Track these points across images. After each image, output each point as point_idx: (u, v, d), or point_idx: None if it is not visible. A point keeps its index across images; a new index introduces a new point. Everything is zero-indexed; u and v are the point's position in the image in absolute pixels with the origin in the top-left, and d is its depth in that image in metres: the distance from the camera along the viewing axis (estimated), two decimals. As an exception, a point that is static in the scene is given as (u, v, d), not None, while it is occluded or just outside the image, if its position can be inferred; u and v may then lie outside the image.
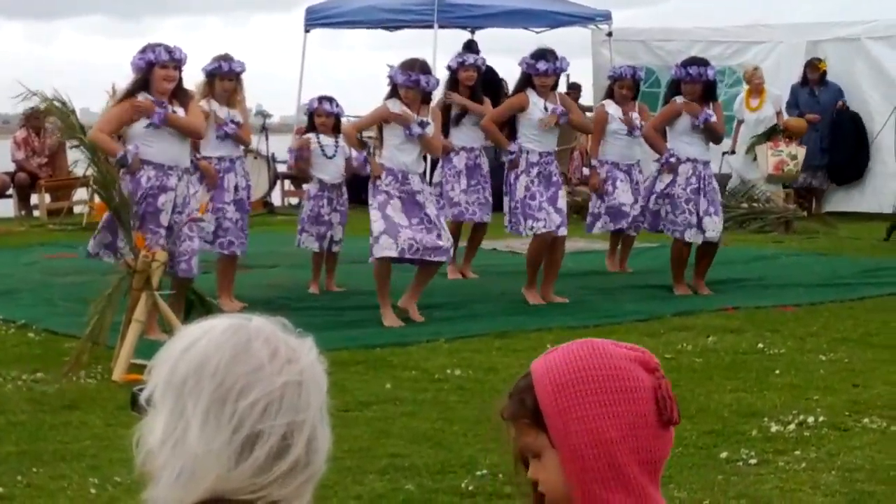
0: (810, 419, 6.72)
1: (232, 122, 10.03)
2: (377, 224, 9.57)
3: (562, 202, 10.59)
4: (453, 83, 11.75)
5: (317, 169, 10.89)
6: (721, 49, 17.73)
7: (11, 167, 18.30)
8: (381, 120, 9.78)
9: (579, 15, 19.35)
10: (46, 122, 17.30)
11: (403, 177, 9.64)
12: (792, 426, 6.63)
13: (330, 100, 11.05)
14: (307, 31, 19.30)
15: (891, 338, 8.99)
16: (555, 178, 10.59)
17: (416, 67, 9.66)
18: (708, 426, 6.65)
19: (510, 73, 13.61)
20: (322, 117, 10.95)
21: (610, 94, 12.30)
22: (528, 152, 10.52)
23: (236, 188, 10.12)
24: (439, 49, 17.17)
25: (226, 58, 10.16)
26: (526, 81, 10.60)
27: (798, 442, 6.39)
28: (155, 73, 8.76)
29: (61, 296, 10.52)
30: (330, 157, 10.84)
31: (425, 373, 7.91)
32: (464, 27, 19.64)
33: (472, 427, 6.62)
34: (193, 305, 8.56)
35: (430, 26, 17.92)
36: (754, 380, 7.71)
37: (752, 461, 6.06)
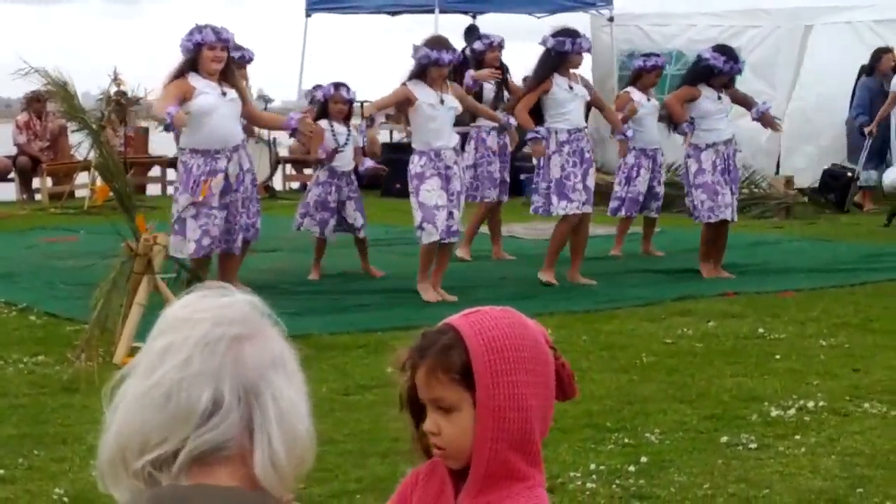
0: (810, 404, 6.73)
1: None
2: (417, 213, 9.76)
3: (591, 180, 10.68)
4: (478, 65, 11.85)
5: (328, 156, 10.90)
6: (717, 32, 17.71)
7: (13, 151, 18.31)
8: (401, 102, 9.87)
9: (580, 0, 19.35)
10: (48, 105, 17.29)
11: (436, 154, 9.77)
12: (792, 411, 6.63)
13: (346, 86, 11.08)
14: (308, 15, 19.29)
15: (891, 323, 8.99)
16: (587, 155, 10.65)
17: (442, 45, 9.82)
18: (708, 411, 6.66)
19: (512, 59, 13.60)
20: (339, 104, 10.99)
21: (633, 82, 12.49)
22: (556, 132, 10.58)
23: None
24: (440, 33, 17.13)
25: (233, 46, 10.25)
26: (550, 62, 10.60)
27: (798, 427, 6.40)
28: (203, 54, 8.98)
29: (62, 279, 10.54)
30: (342, 146, 10.87)
31: (426, 357, 7.90)
32: (465, 12, 19.63)
33: (472, 411, 6.62)
34: (194, 287, 8.56)
35: (432, 11, 17.91)
36: (755, 365, 7.72)
37: (753, 446, 6.07)
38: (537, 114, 10.60)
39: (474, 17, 19.74)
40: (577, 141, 10.61)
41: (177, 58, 9.30)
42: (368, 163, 11.21)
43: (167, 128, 8.87)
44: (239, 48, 10.46)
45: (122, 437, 1.89)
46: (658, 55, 12.93)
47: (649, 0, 21.26)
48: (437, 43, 9.86)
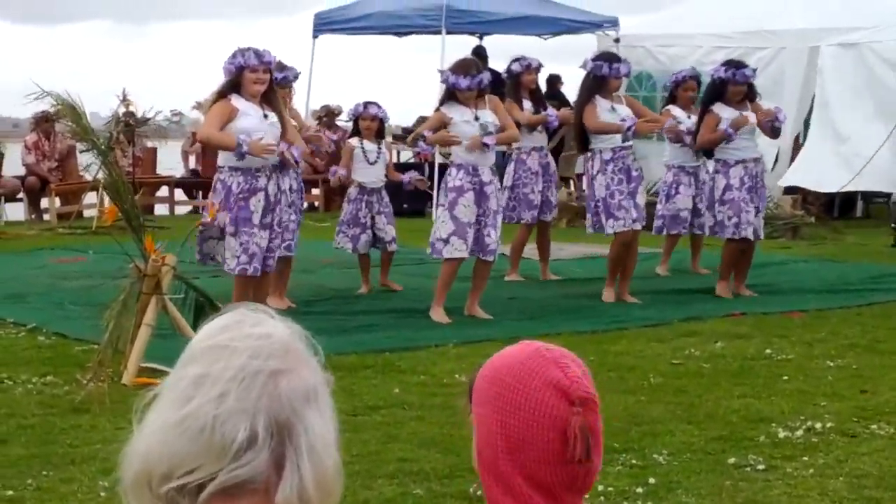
0: (818, 425, 6.74)
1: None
2: (446, 225, 9.80)
3: (640, 197, 10.78)
4: (517, 85, 11.90)
5: (358, 173, 11.12)
6: (724, 54, 17.69)
7: (22, 171, 18.36)
8: (440, 126, 9.92)
9: (587, 21, 19.41)
10: (57, 125, 17.35)
11: (474, 169, 9.85)
12: (800, 432, 6.64)
13: (376, 104, 11.25)
14: (315, 36, 19.34)
15: (899, 344, 9.00)
16: (634, 173, 10.75)
17: (474, 68, 9.94)
18: (716, 432, 6.67)
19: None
20: (367, 121, 11.16)
21: (672, 100, 12.38)
22: (600, 151, 10.74)
23: (290, 189, 10.28)
24: (447, 54, 17.21)
25: (278, 67, 10.35)
26: (590, 86, 10.76)
27: (806, 448, 6.40)
28: (245, 76, 9.02)
29: (71, 299, 10.56)
30: (372, 163, 11.04)
31: (434, 377, 7.93)
32: (472, 33, 19.67)
33: (480, 432, 6.63)
34: (203, 308, 8.58)
35: (439, 32, 17.96)
36: (762, 385, 7.72)
37: (760, 467, 6.07)
38: (583, 136, 10.81)
39: (481, 37, 19.79)
40: (622, 159, 10.76)
41: (188, 79, 9.40)
42: (410, 174, 11.51)
43: (241, 155, 8.94)
44: (283, 68, 10.53)
45: (150, 460, 1.87)
46: (684, 70, 12.75)
47: (655, 21, 21.30)
48: (461, 67, 9.98)
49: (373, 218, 11.10)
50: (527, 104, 11.87)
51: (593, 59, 10.93)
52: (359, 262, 11.35)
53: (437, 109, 10.09)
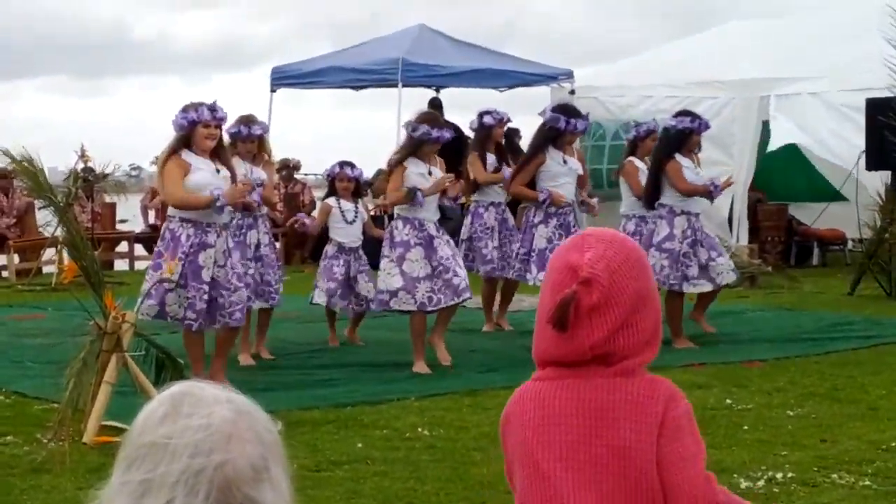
0: (779, 475, 6.78)
1: (257, 183, 10.22)
2: (395, 279, 9.85)
3: None
4: (486, 138, 11.97)
5: (336, 233, 11.14)
6: (673, 103, 17.89)
7: (-21, 227, 18.26)
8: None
9: (542, 74, 19.56)
10: (15, 181, 17.30)
11: (420, 224, 9.92)
12: (761, 482, 6.68)
13: (351, 165, 11.29)
14: (273, 90, 19.40)
15: (857, 392, 9.07)
16: (573, 229, 10.80)
17: (440, 123, 10.09)
18: (678, 483, 6.68)
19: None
20: (344, 182, 11.20)
21: (632, 152, 12.20)
22: (546, 203, 10.83)
23: (259, 245, 10.26)
24: (403, 107, 17.32)
25: (247, 121, 10.38)
26: (545, 136, 10.85)
27: (768, 498, 6.43)
28: (197, 131, 8.98)
29: (30, 357, 10.50)
30: (350, 222, 11.08)
31: (396, 431, 7.93)
32: (428, 86, 19.79)
33: (443, 486, 6.64)
34: (164, 365, 8.56)
35: (395, 85, 18.06)
36: (723, 436, 7.76)
37: (723, 517, 6.09)
38: (531, 185, 10.92)
39: (437, 90, 19.91)
40: (565, 215, 10.83)
41: (144, 132, 9.40)
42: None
43: (220, 209, 8.95)
44: (248, 122, 10.48)
45: None
46: (648, 122, 12.67)
47: (606, 72, 21.49)
48: (434, 120, 10.11)
49: (353, 277, 11.09)
50: (490, 157, 11.95)
51: (552, 110, 11.01)
52: (326, 315, 11.37)
53: (399, 163, 10.01)
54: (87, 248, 8.55)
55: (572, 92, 19.21)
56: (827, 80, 17.22)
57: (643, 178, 11.68)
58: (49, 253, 17.07)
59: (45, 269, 17.48)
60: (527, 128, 14.42)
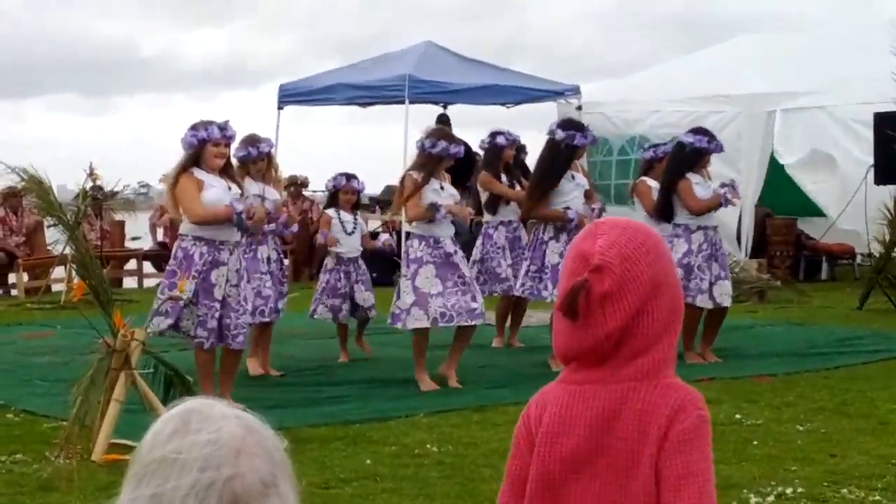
0: (789, 490, 6.76)
1: (264, 198, 10.29)
2: (407, 296, 9.83)
3: None
4: (496, 158, 11.98)
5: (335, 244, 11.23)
6: (679, 118, 17.90)
7: (-12, 246, 18.30)
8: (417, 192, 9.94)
9: (549, 90, 19.57)
10: (24, 200, 17.33)
11: (435, 241, 9.89)
12: (771, 497, 6.66)
13: (356, 178, 11.46)
14: (280, 108, 19.43)
15: (866, 407, 9.06)
16: None
17: (455, 139, 10.13)
18: (687, 498, 6.66)
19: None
20: (348, 194, 11.37)
21: (645, 172, 11.99)
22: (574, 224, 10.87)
23: (269, 260, 10.34)
24: (411, 123, 17.32)
25: (253, 141, 10.42)
26: (567, 157, 10.87)
27: (777, 513, 6.42)
28: (207, 150, 9.02)
29: (39, 376, 10.51)
30: (349, 234, 11.21)
31: (405, 448, 7.92)
32: (435, 102, 19.80)
33: (453, 503, 6.64)
34: (172, 382, 8.57)
35: (402, 102, 18.07)
36: (732, 451, 7.75)
37: (733, 533, 6.08)
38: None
39: (445, 106, 19.93)
40: (576, 230, 10.79)
41: (152, 150, 9.44)
42: (383, 238, 12.07)
43: (240, 225, 8.97)
44: (257, 141, 10.55)
45: None
46: (664, 143, 12.58)
47: (615, 88, 21.52)
48: (450, 136, 10.16)
49: (351, 287, 11.19)
50: (502, 177, 11.95)
51: (561, 128, 10.96)
52: (337, 332, 11.46)
53: (425, 183, 9.93)
54: (96, 266, 8.57)
55: (579, 107, 19.23)
56: (834, 94, 17.23)
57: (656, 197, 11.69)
58: (58, 271, 17.10)
59: (54, 287, 17.49)
60: (533, 143, 14.41)
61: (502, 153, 12.02)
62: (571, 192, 10.92)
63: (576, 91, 19.47)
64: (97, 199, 17.39)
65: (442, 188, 9.99)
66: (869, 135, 15.54)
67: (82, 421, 7.69)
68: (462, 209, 10.16)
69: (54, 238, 16.38)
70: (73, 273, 13.62)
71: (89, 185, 16.43)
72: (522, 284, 11.17)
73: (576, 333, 2.59)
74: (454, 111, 19.93)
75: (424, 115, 19.80)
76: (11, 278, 18.21)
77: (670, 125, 15.75)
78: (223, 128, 9.07)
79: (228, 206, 8.89)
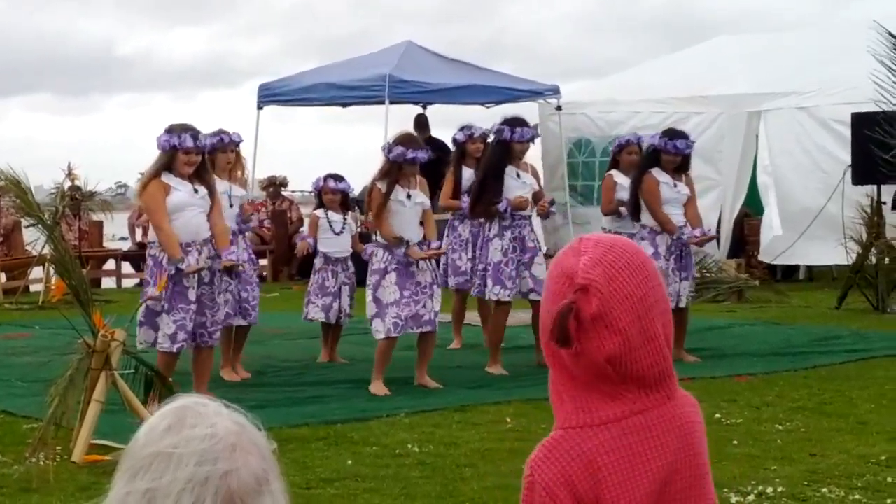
0: (769, 489, 6.79)
1: (231, 195, 10.35)
2: (370, 307, 9.85)
3: (536, 268, 10.65)
4: (461, 154, 11.96)
5: (323, 244, 11.25)
6: (661, 119, 17.93)
7: (-34, 247, 18.24)
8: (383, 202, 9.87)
9: (529, 90, 19.59)
10: (1, 200, 17.28)
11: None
12: (752, 497, 6.68)
13: (337, 177, 11.41)
14: (260, 108, 19.41)
15: (845, 406, 9.09)
16: (530, 244, 10.73)
17: (416, 144, 10.00)
18: (668, 498, 6.68)
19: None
20: (329, 194, 11.33)
21: (614, 164, 12.13)
22: (500, 216, 10.73)
23: (241, 260, 10.31)
24: (390, 123, 17.33)
25: (220, 132, 10.44)
26: (500, 155, 10.73)
27: (758, 512, 6.44)
28: (178, 157, 9.13)
29: (18, 376, 10.48)
30: (338, 234, 11.20)
31: (386, 448, 7.92)
32: (415, 102, 19.81)
33: (434, 502, 6.64)
34: (153, 383, 8.55)
35: (382, 102, 18.07)
36: (712, 450, 7.63)
37: (713, 532, 6.09)
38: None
39: (424, 107, 19.93)
40: (520, 227, 10.74)
41: (130, 150, 9.51)
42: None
43: (178, 270, 9.03)
44: (225, 132, 10.55)
45: None
46: (627, 136, 12.58)
47: (594, 87, 21.55)
48: (411, 141, 10.03)
49: (339, 288, 11.19)
50: (468, 172, 11.87)
51: (502, 125, 10.86)
52: (322, 331, 11.43)
53: (387, 194, 9.85)
54: (76, 266, 8.54)
55: (559, 107, 19.27)
56: (815, 95, 17.28)
57: (622, 192, 11.69)
58: (36, 271, 17.05)
59: (33, 288, 17.45)
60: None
61: (463, 148, 12.02)
62: (515, 190, 10.75)
63: (555, 91, 19.51)
64: (75, 199, 17.36)
65: (409, 196, 9.92)
66: (848, 134, 15.59)
67: (59, 421, 7.67)
68: (427, 253, 9.89)
69: (32, 238, 16.35)
70: (52, 273, 13.58)
71: (68, 184, 16.53)
72: (475, 284, 11.12)
73: (574, 359, 2.38)
74: (434, 111, 19.96)
75: (404, 115, 19.83)
76: (-11, 278, 18.16)
77: (652, 126, 15.76)
78: (196, 138, 9.17)
79: (176, 257, 9.01)
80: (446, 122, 13.51)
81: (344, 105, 20.30)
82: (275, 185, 20.08)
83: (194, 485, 1.81)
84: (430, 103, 19.85)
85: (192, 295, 9.09)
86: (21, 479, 7.20)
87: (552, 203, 11.30)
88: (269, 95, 19.46)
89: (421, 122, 19.28)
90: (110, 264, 19.94)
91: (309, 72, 20.49)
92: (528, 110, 20.17)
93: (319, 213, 11.37)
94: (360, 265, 11.18)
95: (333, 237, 11.22)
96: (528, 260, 10.69)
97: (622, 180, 11.89)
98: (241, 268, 9.88)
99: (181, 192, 9.18)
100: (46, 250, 8.88)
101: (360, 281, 11.48)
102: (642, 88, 19.22)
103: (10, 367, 11.07)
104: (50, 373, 8.60)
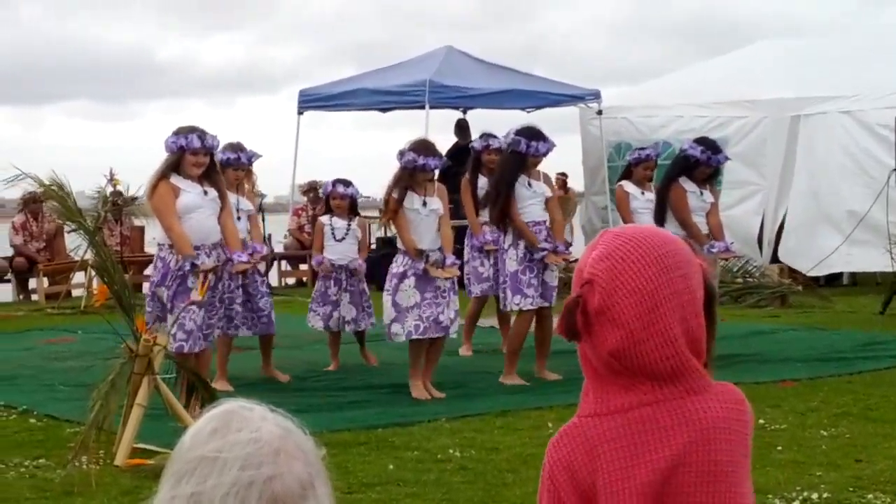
0: (814, 495, 6.73)
1: (239, 209, 10.28)
2: (388, 311, 9.80)
3: (549, 275, 10.55)
4: (476, 163, 11.90)
5: (327, 250, 11.17)
6: (703, 123, 17.84)
7: (9, 252, 18.35)
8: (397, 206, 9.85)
9: (569, 94, 19.54)
10: (44, 206, 17.37)
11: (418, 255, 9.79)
12: (796, 503, 6.63)
13: (345, 183, 11.34)
14: (300, 113, 19.46)
15: (891, 412, 9.01)
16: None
17: (429, 150, 9.90)
18: (712, 504, 6.63)
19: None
20: (337, 199, 11.27)
21: (626, 176, 12.07)
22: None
23: (244, 273, 10.24)
24: (431, 128, 17.30)
25: (238, 147, 10.43)
26: (513, 165, 10.58)
27: (803, 518, 6.39)
28: (186, 158, 9.13)
29: (62, 380, 10.53)
30: (339, 240, 11.12)
31: (428, 453, 7.91)
32: (455, 107, 19.79)
33: (476, 508, 6.62)
34: (195, 387, 8.57)
35: (422, 107, 18.06)
36: (757, 456, 7.67)
37: (758, 538, 6.05)
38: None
39: (465, 111, 19.91)
40: (536, 234, 10.65)
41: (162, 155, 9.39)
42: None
43: (193, 266, 9.04)
44: (239, 149, 10.54)
45: None
46: (648, 147, 12.63)
47: (635, 92, 21.48)
48: (423, 148, 9.93)
49: (340, 295, 11.11)
50: (482, 181, 11.74)
51: (515, 133, 10.70)
52: (328, 340, 11.38)
53: (399, 202, 9.80)
54: (118, 271, 8.57)
55: (600, 112, 19.22)
56: (858, 98, 17.16)
57: (634, 202, 11.69)
58: (78, 276, 17.14)
59: (75, 293, 17.53)
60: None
61: (480, 157, 11.95)
62: (527, 200, 10.63)
63: (596, 95, 19.45)
64: (117, 205, 17.44)
65: (425, 204, 9.86)
66: (892, 138, 15.47)
67: (101, 425, 7.69)
68: (445, 273, 9.84)
69: (74, 243, 16.43)
70: (94, 278, 13.63)
71: (109, 190, 16.61)
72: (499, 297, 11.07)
73: (590, 351, 2.41)
74: (474, 116, 19.92)
75: (445, 121, 19.81)
76: (32, 283, 18.27)
77: (695, 130, 15.66)
78: (203, 138, 9.13)
79: (190, 254, 9.02)
80: (487, 128, 13.53)
81: (384, 110, 20.33)
82: (315, 191, 20.10)
83: (238, 489, 1.80)
84: (471, 108, 19.83)
85: (194, 296, 9.08)
86: (64, 482, 7.22)
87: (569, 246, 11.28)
88: (310, 100, 19.51)
89: (462, 127, 19.25)
90: (152, 269, 20.00)
91: (350, 78, 20.52)
92: (568, 115, 20.17)
93: (324, 219, 11.32)
94: (379, 269, 11.16)
95: (334, 244, 11.13)
96: (541, 267, 10.56)
97: (633, 190, 11.82)
98: (254, 265, 9.85)
99: (191, 193, 9.17)
100: (88, 255, 8.87)
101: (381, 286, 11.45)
102: (683, 93, 19.14)
103: (53, 371, 11.13)
104: (92, 377, 8.64)
